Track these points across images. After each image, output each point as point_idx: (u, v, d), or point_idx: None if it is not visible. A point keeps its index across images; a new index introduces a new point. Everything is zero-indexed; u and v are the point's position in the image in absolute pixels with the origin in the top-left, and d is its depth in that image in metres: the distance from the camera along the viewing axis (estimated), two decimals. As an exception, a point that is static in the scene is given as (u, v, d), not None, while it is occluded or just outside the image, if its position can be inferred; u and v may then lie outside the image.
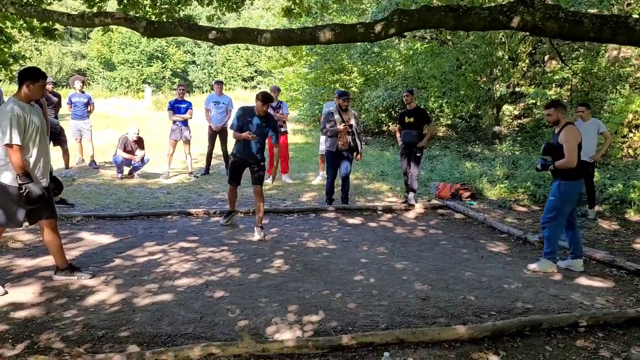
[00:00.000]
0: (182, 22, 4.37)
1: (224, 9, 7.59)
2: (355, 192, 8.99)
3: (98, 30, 48.67)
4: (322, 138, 9.18)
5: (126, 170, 9.41)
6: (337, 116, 7.53)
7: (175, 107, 9.35)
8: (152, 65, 46.48)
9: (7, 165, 3.94)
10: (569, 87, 18.32)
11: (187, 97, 9.90)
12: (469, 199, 8.64)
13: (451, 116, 17.33)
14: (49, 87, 8.63)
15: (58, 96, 9.00)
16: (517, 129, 18.69)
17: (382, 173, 10.72)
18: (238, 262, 5.11)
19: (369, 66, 17.96)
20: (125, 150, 9.13)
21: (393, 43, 18.87)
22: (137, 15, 6.54)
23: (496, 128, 14.96)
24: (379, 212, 7.60)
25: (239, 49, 49.73)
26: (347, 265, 5.11)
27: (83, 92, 9.59)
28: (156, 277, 4.56)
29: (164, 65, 47.31)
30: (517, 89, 16.34)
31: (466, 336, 3.42)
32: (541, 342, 3.48)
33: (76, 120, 9.49)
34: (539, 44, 13.70)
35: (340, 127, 7.43)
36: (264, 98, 6.07)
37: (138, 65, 45.68)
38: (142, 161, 9.32)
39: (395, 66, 18.00)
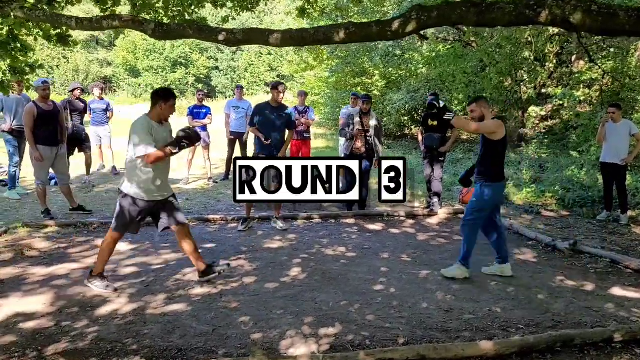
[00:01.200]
0: (193, 24, 4.28)
1: (239, 10, 7.49)
2: (375, 197, 8.78)
3: (124, 37, 49.60)
4: (342, 141, 9.02)
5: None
6: (357, 119, 7.35)
7: (195, 113, 9.28)
8: (175, 72, 46.99)
9: (133, 177, 4.18)
10: (598, 87, 17.81)
11: (208, 103, 9.83)
12: (495, 203, 8.35)
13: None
14: (76, 93, 8.65)
15: (84, 102, 8.99)
16: (543, 131, 18.26)
17: (404, 177, 10.48)
18: (254, 270, 4.96)
19: (390, 69, 17.72)
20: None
21: (415, 45, 18.63)
22: (148, 17, 6.47)
23: (522, 130, 14.57)
24: (401, 218, 7.39)
25: (262, 54, 49.98)
26: (367, 274, 4.92)
27: (102, 99, 9.59)
28: (170, 286, 4.44)
29: (187, 71, 47.78)
30: (543, 90, 15.94)
31: (492, 352, 3.21)
32: (573, 359, 3.25)
33: (95, 127, 9.49)
34: (566, 43, 13.26)
35: (355, 130, 7.27)
36: (276, 84, 6.48)
37: (162, 72, 46.23)
38: None
39: (417, 69, 17.74)
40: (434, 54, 15.43)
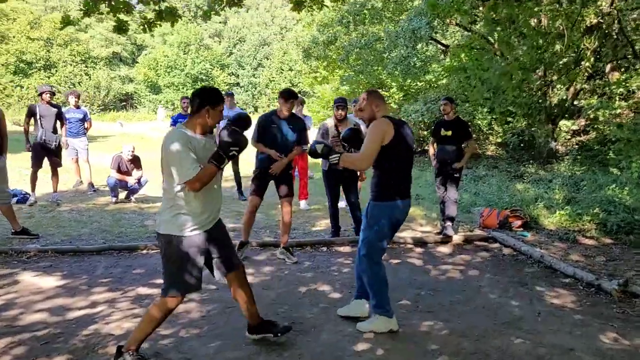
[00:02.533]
0: None
1: (223, 3, 6.44)
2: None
3: (145, 55, 49.62)
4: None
5: (123, 194, 8.35)
6: (331, 129, 6.18)
7: (179, 122, 8.22)
8: (196, 88, 46.54)
9: (173, 210, 3.02)
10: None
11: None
12: (521, 228, 7.06)
13: (501, 133, 15.65)
14: (45, 97, 7.71)
15: (57, 107, 8.02)
16: (576, 146, 16.81)
17: (417, 196, 9.25)
18: (201, 318, 3.81)
19: (409, 80, 16.57)
20: (119, 171, 8.07)
21: (438, 58, 17.45)
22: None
23: (553, 144, 13.20)
24: (407, 246, 6.17)
25: (282, 70, 49.41)
26: (349, 325, 3.73)
27: (78, 107, 8.64)
28: (76, 344, 3.31)
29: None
30: (575, 102, 14.54)
31: None
32: None
33: (71, 138, 8.53)
34: (605, 39, 11.59)
35: (330, 140, 5.99)
36: (286, 94, 5.25)
37: (183, 88, 45.87)
38: (140, 183, 8.22)
39: (438, 80, 16.55)
40: (455, 64, 14.24)
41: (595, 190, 9.50)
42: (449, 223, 6.36)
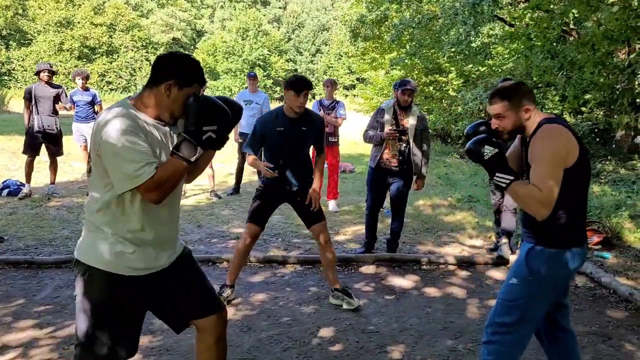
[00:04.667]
0: None
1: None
2: (423, 227, 6.29)
3: (205, 40, 49.68)
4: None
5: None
6: (387, 116, 4.92)
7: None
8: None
9: (101, 230, 1.93)
10: None
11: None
12: (600, 246, 5.58)
13: (573, 124, 13.71)
14: (43, 76, 6.87)
15: (58, 87, 7.17)
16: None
17: (469, 198, 7.84)
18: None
19: (470, 65, 14.90)
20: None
21: (504, 39, 15.65)
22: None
23: (638, 138, 11.30)
24: (449, 267, 4.86)
25: (341, 56, 47.99)
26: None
27: (87, 89, 7.78)
28: None
29: (265, 73, 46.86)
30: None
31: None
32: None
33: (79, 124, 7.70)
34: None
35: (385, 132, 4.81)
36: (297, 84, 3.59)
37: (241, 74, 45.52)
38: None
39: (503, 64, 14.78)
40: (522, 46, 12.47)
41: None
42: (504, 240, 4.99)
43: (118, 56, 44.31)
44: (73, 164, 9.45)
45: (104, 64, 43.06)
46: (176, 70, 1.89)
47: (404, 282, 4.45)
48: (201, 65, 2.00)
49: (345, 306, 3.80)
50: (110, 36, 43.78)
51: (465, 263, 4.93)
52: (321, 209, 3.88)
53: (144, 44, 46.58)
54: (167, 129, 1.98)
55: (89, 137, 7.67)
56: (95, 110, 7.79)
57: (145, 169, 1.78)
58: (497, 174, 2.21)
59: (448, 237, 5.93)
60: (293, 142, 3.79)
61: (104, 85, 42.48)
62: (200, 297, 2.12)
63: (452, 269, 4.83)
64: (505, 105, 2.26)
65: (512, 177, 2.17)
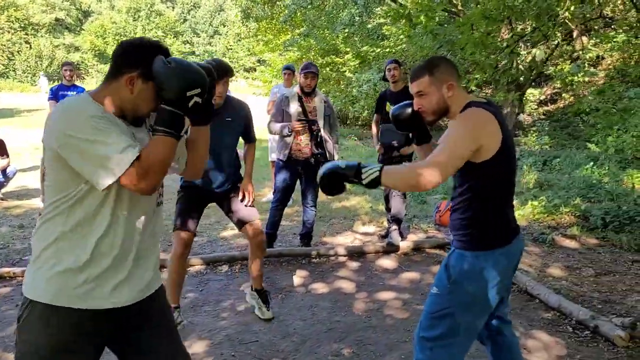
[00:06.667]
0: None
1: None
2: (316, 216, 6.07)
3: (92, 21, 46.53)
4: (271, 137, 6.27)
5: None
6: (293, 105, 4.57)
7: (60, 97, 6.39)
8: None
9: (57, 253, 1.52)
10: (607, 65, 15.21)
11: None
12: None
13: None
14: None
15: None
16: (543, 117, 15.66)
17: (364, 183, 7.77)
18: None
19: (366, 46, 14.92)
20: (-21, 160, 6.28)
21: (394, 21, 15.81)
22: None
23: (521, 116, 11.88)
24: (339, 259, 4.68)
25: (240, 38, 46.91)
26: None
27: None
28: None
29: (160, 57, 44.87)
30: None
31: None
32: None
33: None
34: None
35: (294, 123, 4.47)
36: (218, 69, 2.78)
37: (133, 57, 43.19)
38: (5, 174, 6.42)
39: (397, 44, 14.95)
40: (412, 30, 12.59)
41: (571, 171, 8.23)
42: (394, 227, 4.87)
43: (-1, 36, 40.38)
44: None
45: (-25, 47, 39.11)
46: (140, 58, 1.52)
47: (290, 279, 4.19)
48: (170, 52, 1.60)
49: (256, 312, 3.48)
50: (-19, 16, 39.76)
51: (355, 253, 4.76)
52: (253, 208, 3.47)
53: (23, 25, 42.76)
54: (131, 130, 1.57)
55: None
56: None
57: (128, 150, 1.43)
58: (361, 175, 1.91)
59: (341, 225, 5.76)
60: (216, 136, 3.31)
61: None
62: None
63: (343, 260, 4.65)
64: (426, 81, 2.01)
65: (378, 165, 1.91)
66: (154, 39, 1.64)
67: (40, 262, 1.52)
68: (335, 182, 1.90)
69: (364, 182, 1.88)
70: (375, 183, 1.87)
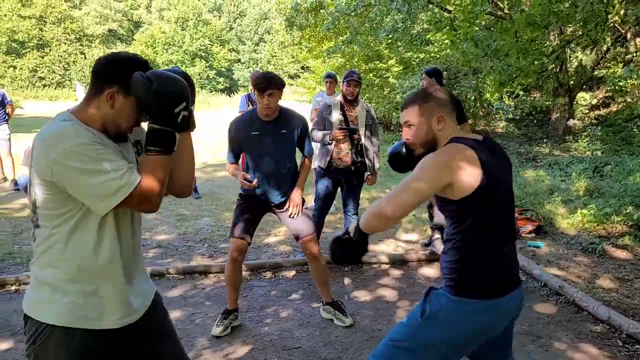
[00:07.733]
0: None
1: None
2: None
3: (142, 32, 48.03)
4: (313, 145, 6.33)
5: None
6: (335, 113, 4.62)
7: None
8: (195, 65, 45.25)
9: (58, 274, 1.57)
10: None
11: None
12: (533, 234, 5.55)
13: (494, 101, 13.72)
14: None
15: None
16: (595, 121, 15.14)
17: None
18: None
19: (410, 52, 14.82)
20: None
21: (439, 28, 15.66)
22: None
23: (571, 121, 11.54)
24: (383, 267, 4.68)
25: (285, 45, 47.42)
26: None
27: None
28: None
29: (207, 64, 45.86)
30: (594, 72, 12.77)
31: None
32: None
33: (-13, 127, 7.10)
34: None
35: (335, 131, 4.44)
36: (259, 82, 3.21)
37: (182, 66, 44.28)
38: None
39: (441, 50, 14.79)
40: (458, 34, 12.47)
41: (624, 178, 7.93)
42: (437, 235, 4.85)
43: (50, 50, 42.29)
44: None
45: (34, 58, 41.03)
46: (119, 74, 1.53)
47: (334, 286, 4.23)
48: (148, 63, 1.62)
49: (336, 322, 3.53)
50: (41, 29, 41.71)
51: (398, 261, 4.76)
52: (309, 218, 3.56)
53: (78, 37, 44.62)
54: (119, 148, 1.62)
55: (3, 141, 7.14)
56: (7, 112, 7.18)
57: (129, 173, 1.47)
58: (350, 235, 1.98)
59: (383, 233, 5.75)
60: (271, 148, 3.39)
61: (36, 81, 40.49)
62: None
63: (385, 268, 4.65)
64: (415, 111, 1.93)
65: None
66: (132, 52, 1.65)
67: (47, 286, 1.55)
68: (347, 253, 2.01)
69: (354, 238, 1.95)
70: (359, 231, 1.92)
